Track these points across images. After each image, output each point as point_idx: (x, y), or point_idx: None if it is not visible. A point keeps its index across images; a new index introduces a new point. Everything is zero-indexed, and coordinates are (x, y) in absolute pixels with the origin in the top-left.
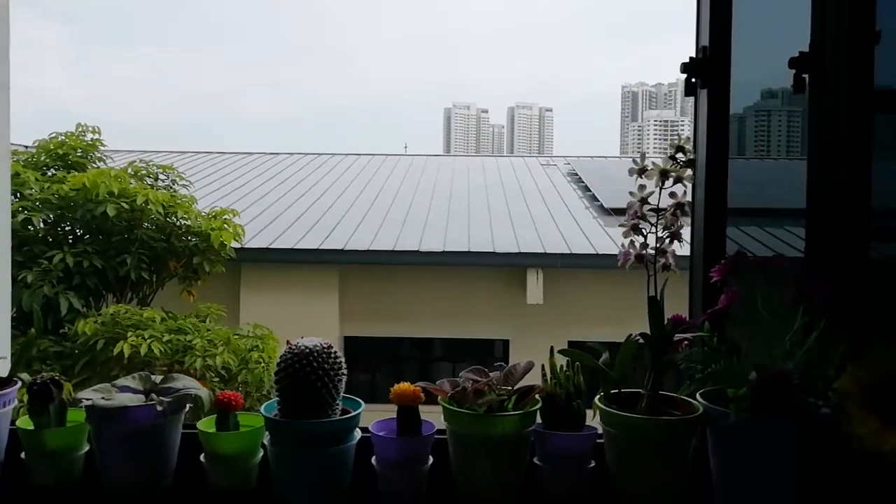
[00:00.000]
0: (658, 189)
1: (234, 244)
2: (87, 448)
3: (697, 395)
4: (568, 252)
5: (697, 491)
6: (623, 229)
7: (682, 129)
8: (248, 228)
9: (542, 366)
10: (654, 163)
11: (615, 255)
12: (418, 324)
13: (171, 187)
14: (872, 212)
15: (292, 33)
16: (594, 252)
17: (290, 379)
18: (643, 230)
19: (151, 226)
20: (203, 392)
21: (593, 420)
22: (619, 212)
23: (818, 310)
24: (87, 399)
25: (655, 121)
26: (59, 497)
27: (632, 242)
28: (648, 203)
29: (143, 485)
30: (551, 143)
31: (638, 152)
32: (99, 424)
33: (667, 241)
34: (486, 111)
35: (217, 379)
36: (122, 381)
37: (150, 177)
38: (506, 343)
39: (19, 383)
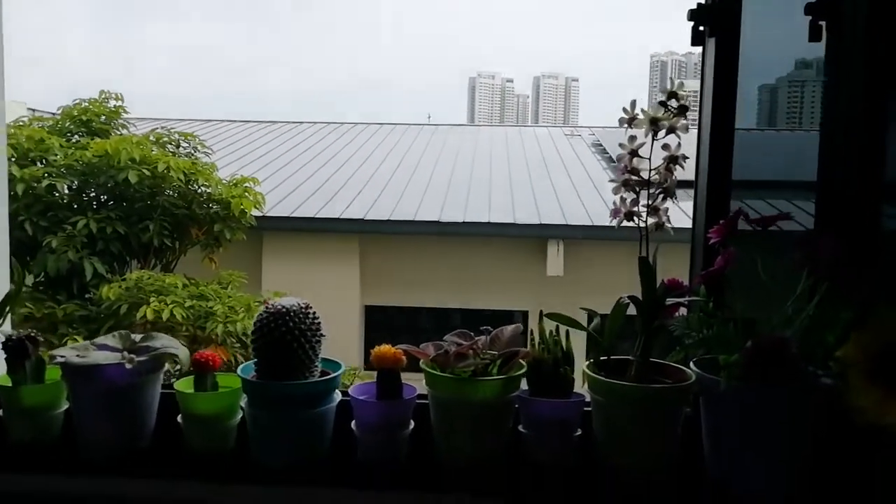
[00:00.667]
0: (650, 140)
1: (255, 212)
2: (65, 406)
3: (691, 363)
4: (590, 224)
5: (688, 461)
6: (614, 185)
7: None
8: (269, 197)
9: (531, 330)
10: (643, 110)
11: (628, 226)
12: (437, 294)
13: (192, 155)
14: (886, 178)
15: (316, 3)
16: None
17: (266, 339)
18: (635, 186)
19: (173, 193)
20: (181, 351)
21: (582, 387)
22: (643, 184)
23: (822, 270)
24: (62, 356)
25: (685, 91)
26: (37, 454)
27: (622, 199)
28: (639, 156)
29: (119, 444)
30: (577, 113)
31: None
32: (74, 382)
33: (659, 197)
34: (510, 81)
35: (238, 344)
36: (101, 339)
37: (171, 144)
38: (525, 314)
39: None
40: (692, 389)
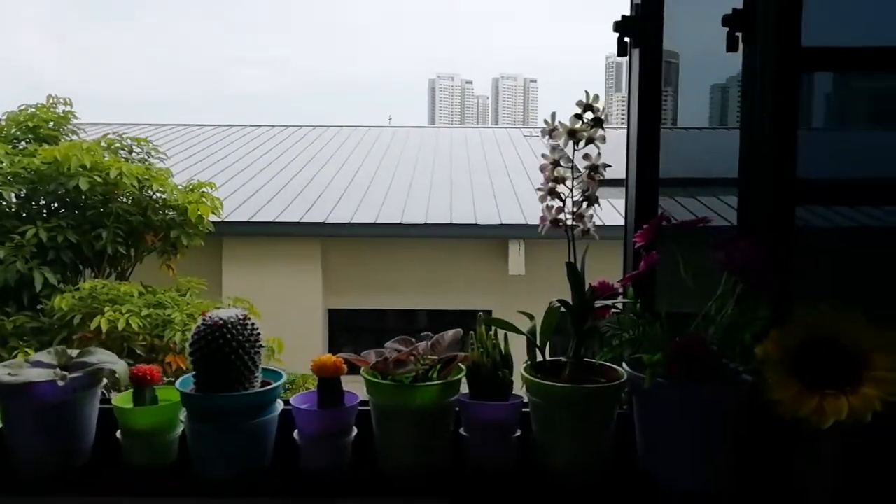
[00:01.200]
0: (572, 150)
1: (213, 217)
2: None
3: (623, 363)
4: None
5: (623, 458)
6: (540, 193)
7: (667, 99)
8: (228, 202)
9: (470, 334)
10: (561, 123)
11: (598, 226)
12: (402, 295)
13: (146, 160)
14: (799, 177)
15: (272, 5)
16: None
17: (204, 351)
18: (560, 194)
19: (127, 199)
20: (119, 366)
21: (521, 389)
22: (604, 183)
23: (738, 272)
24: None
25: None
26: None
27: (548, 207)
28: (561, 165)
29: (55, 462)
30: (536, 114)
31: (623, 133)
32: (6, 400)
33: (584, 205)
34: (470, 82)
35: None
36: (35, 357)
37: (123, 149)
38: (489, 314)
39: None
40: (624, 388)
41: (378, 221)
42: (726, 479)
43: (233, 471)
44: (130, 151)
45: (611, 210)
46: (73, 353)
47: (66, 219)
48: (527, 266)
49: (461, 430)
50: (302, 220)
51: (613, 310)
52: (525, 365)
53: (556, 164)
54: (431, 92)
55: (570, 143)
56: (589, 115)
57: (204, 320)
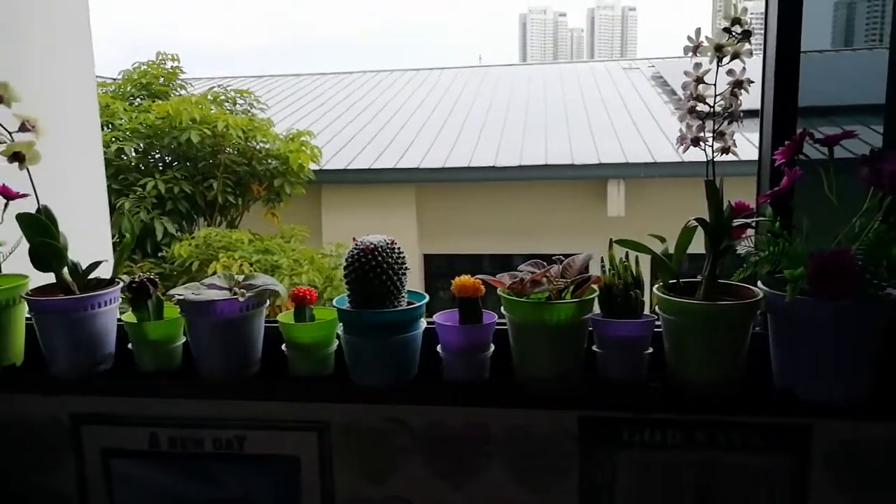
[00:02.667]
0: (715, 66)
1: (313, 166)
2: (183, 339)
3: (759, 282)
4: (651, 161)
5: (756, 376)
6: (679, 112)
7: None
8: (325, 150)
9: (602, 258)
10: (707, 38)
11: (702, 163)
12: (497, 240)
13: (248, 112)
14: None
15: None
16: (679, 160)
17: (358, 272)
18: (700, 112)
19: (233, 150)
20: (281, 287)
21: (649, 310)
22: (709, 110)
23: (887, 185)
24: (180, 295)
25: (751, 14)
26: (163, 381)
27: (689, 126)
28: (705, 82)
29: (233, 370)
30: (635, 45)
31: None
32: (191, 317)
33: (725, 122)
34: (563, 14)
35: None
36: (208, 280)
37: (228, 102)
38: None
39: (121, 283)
40: (759, 306)
41: (471, 165)
42: (866, 393)
43: (384, 379)
44: (234, 104)
45: (739, 142)
46: (240, 277)
47: (180, 171)
48: (626, 207)
49: (594, 348)
50: (396, 167)
51: (750, 230)
52: (658, 285)
53: (699, 80)
54: (522, 27)
55: (715, 58)
56: (737, 29)
57: (356, 245)
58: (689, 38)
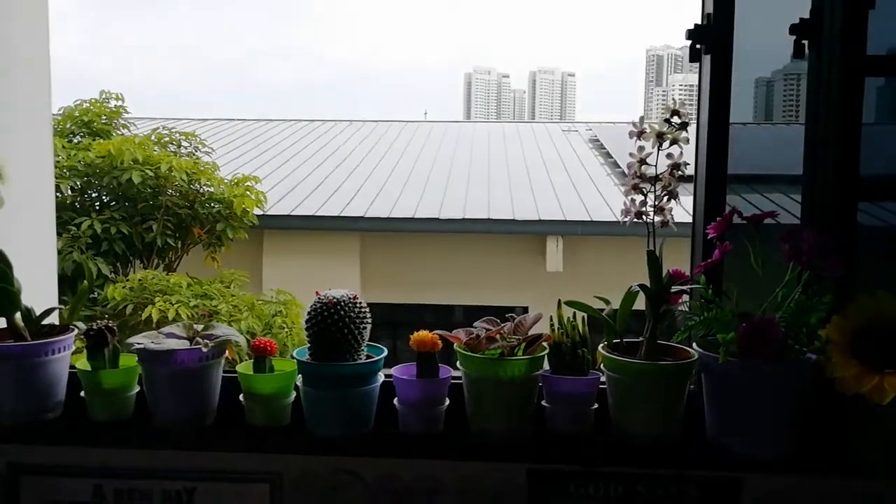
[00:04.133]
0: (656, 150)
1: (257, 211)
2: (137, 389)
3: (694, 343)
4: (588, 219)
5: (691, 429)
6: (625, 188)
7: None
8: (269, 195)
9: (551, 317)
10: (650, 125)
11: (636, 223)
12: (439, 291)
13: (193, 154)
14: (862, 175)
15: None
16: (615, 219)
17: (319, 326)
18: (643, 189)
19: (175, 193)
20: (241, 338)
21: (597, 367)
22: (651, 182)
23: (805, 261)
24: (139, 343)
25: (681, 85)
26: (115, 430)
27: (632, 201)
28: (647, 164)
29: (189, 419)
30: (573, 108)
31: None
32: (149, 366)
33: (664, 199)
34: (507, 76)
35: None
36: (167, 329)
37: (173, 144)
38: (525, 310)
39: (76, 330)
40: (695, 366)
41: (416, 216)
42: (791, 447)
43: (341, 431)
44: (179, 146)
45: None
46: (199, 326)
47: (118, 211)
48: (564, 262)
49: (543, 402)
50: (341, 215)
51: (685, 295)
52: (603, 344)
53: (642, 162)
54: (468, 86)
55: (657, 144)
56: (676, 120)
57: (319, 299)
58: (634, 125)
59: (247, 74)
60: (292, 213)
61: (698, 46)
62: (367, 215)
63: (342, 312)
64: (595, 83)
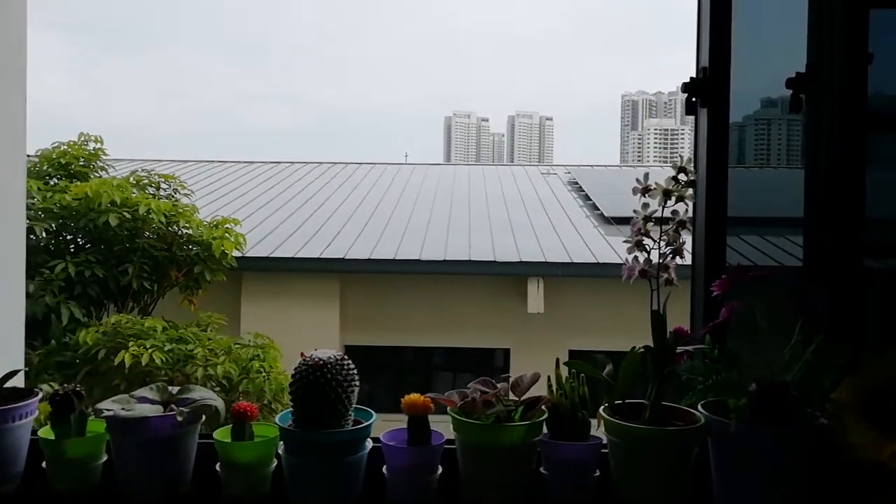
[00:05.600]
0: (660, 207)
1: (236, 253)
2: (105, 458)
3: (699, 406)
4: (568, 261)
5: (699, 500)
6: (628, 245)
7: (682, 138)
8: (249, 237)
9: (549, 377)
10: (656, 183)
11: (616, 265)
12: (419, 333)
13: (172, 196)
14: (867, 224)
15: (292, 44)
16: (595, 261)
17: (305, 390)
18: (646, 246)
19: (153, 235)
20: (219, 403)
21: (598, 430)
22: (619, 220)
23: (816, 322)
24: (108, 410)
25: (656, 129)
26: (78, 503)
27: (636, 258)
28: (651, 220)
29: (160, 492)
30: (551, 152)
31: (641, 171)
32: (119, 434)
33: (669, 256)
34: (486, 120)
35: (218, 388)
36: (139, 392)
37: (152, 186)
38: (506, 352)
39: (40, 394)
40: (702, 431)
41: (396, 258)
42: None
43: (327, 502)
44: (158, 188)
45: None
46: (174, 390)
47: (93, 254)
48: (546, 304)
49: (541, 469)
50: (321, 256)
51: (687, 355)
52: (604, 407)
53: (647, 219)
54: (447, 129)
55: (662, 201)
56: (682, 177)
57: (304, 361)
58: (638, 181)
59: (228, 117)
60: (272, 255)
61: (694, 99)
62: (347, 257)
63: (329, 375)
64: (572, 127)
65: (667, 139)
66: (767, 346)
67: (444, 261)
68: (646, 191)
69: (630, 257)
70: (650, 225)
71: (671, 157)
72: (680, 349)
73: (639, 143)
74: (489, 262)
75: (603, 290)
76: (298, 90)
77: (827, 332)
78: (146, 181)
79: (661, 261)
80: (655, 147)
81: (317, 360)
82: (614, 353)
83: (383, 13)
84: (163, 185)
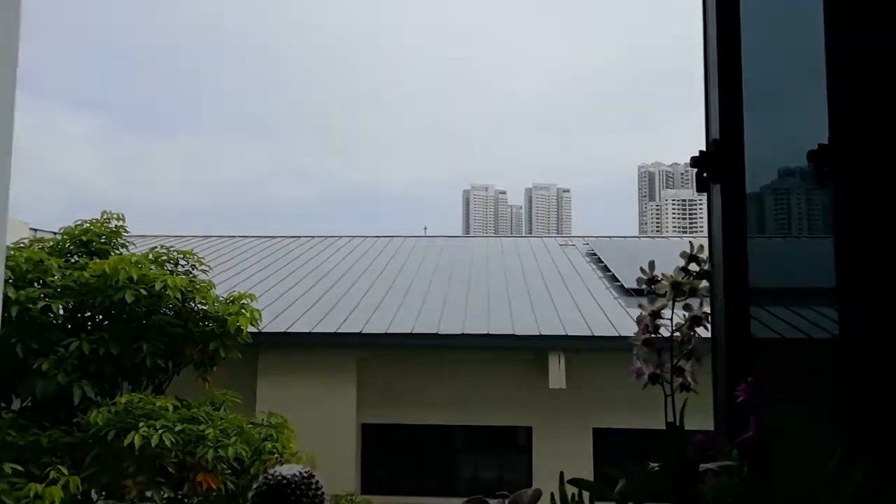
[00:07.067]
0: (670, 302)
1: (251, 328)
2: None
3: None
4: (590, 334)
5: None
6: (634, 345)
7: (701, 207)
8: (265, 312)
9: (552, 494)
10: (664, 275)
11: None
12: (437, 410)
13: (190, 272)
14: None
15: (313, 119)
16: (617, 334)
17: None
18: (657, 348)
19: (169, 311)
20: None
21: None
22: (640, 292)
23: (863, 431)
24: None
25: (673, 200)
26: None
27: (645, 361)
28: (661, 317)
29: None
30: (569, 223)
31: (660, 242)
32: None
33: (683, 357)
34: (503, 192)
35: (229, 471)
36: None
37: (170, 262)
38: (528, 430)
39: None
40: None
41: (414, 332)
42: None
43: None
44: (176, 264)
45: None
46: None
47: (109, 331)
48: (568, 379)
49: None
50: (337, 331)
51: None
52: None
53: (655, 315)
54: (466, 202)
55: (672, 296)
56: (694, 267)
57: (265, 478)
58: (643, 271)
59: (249, 194)
60: (288, 331)
61: (705, 175)
62: (363, 331)
63: (293, 498)
64: (589, 199)
65: (685, 209)
66: (806, 462)
67: (463, 334)
68: (651, 282)
69: (638, 360)
70: (659, 322)
71: (690, 228)
72: (703, 467)
73: (657, 214)
74: (508, 336)
75: (627, 363)
76: (317, 167)
77: (880, 440)
78: (165, 257)
79: (674, 362)
80: (674, 217)
81: (280, 478)
82: (643, 431)
83: (401, 89)
84: (181, 261)
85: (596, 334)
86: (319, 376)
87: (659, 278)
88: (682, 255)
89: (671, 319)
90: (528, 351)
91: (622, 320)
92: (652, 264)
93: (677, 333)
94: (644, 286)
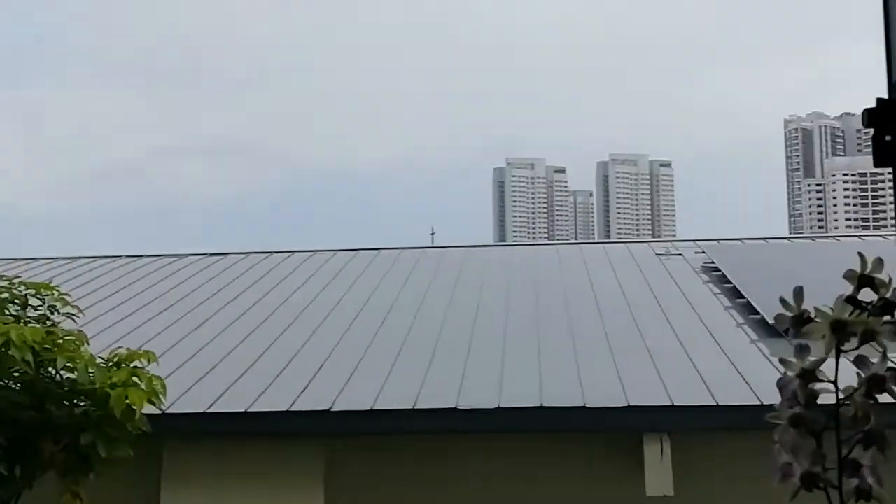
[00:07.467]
0: (833, 352)
1: (149, 409)
2: None
3: None
4: (712, 404)
5: None
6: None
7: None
8: (173, 381)
9: None
10: (818, 310)
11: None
12: None
13: (47, 318)
14: None
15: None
16: (758, 402)
17: None
18: (813, 430)
19: (13, 384)
20: None
21: None
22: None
23: None
24: None
25: (845, 174)
26: None
27: (793, 451)
28: (819, 379)
29: None
30: (672, 217)
31: (828, 244)
32: None
33: (856, 446)
34: (561, 170)
35: None
36: None
37: (14, 302)
38: None
39: None
40: None
41: (416, 408)
42: None
43: None
44: (24, 306)
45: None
46: None
47: None
48: (676, 480)
49: None
50: (290, 409)
51: None
52: None
53: (808, 377)
54: (499, 187)
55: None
56: (869, 296)
57: None
58: (784, 304)
59: (133, 177)
60: (210, 410)
61: (889, 138)
62: (334, 408)
63: None
64: (702, 176)
65: (866, 190)
66: None
67: (499, 408)
68: (800, 321)
69: (784, 452)
70: (816, 387)
71: (875, 220)
72: None
73: (819, 199)
74: (575, 410)
75: (768, 452)
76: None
77: None
78: (6, 295)
79: (843, 454)
80: (846, 203)
81: None
82: None
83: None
84: (33, 300)
85: (720, 403)
86: (265, 484)
87: (812, 315)
88: (849, 275)
89: (835, 381)
90: (610, 434)
91: (763, 378)
92: (800, 292)
93: (847, 404)
94: (788, 327)
